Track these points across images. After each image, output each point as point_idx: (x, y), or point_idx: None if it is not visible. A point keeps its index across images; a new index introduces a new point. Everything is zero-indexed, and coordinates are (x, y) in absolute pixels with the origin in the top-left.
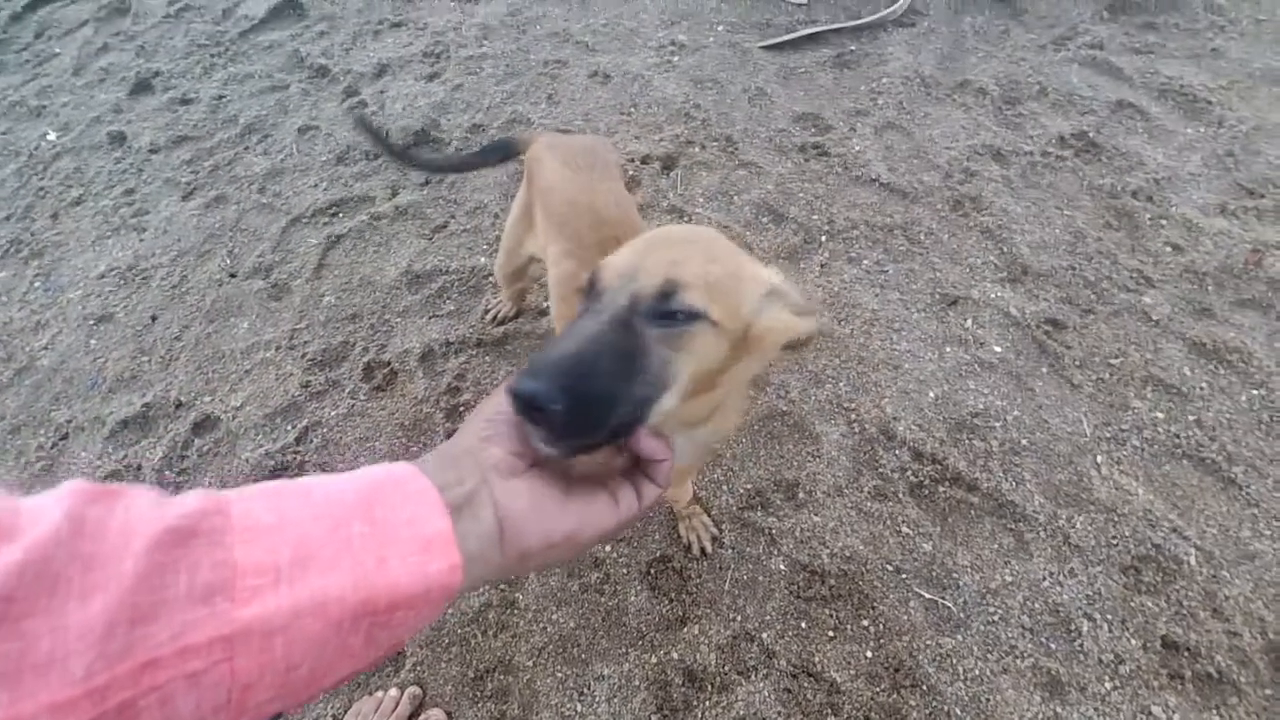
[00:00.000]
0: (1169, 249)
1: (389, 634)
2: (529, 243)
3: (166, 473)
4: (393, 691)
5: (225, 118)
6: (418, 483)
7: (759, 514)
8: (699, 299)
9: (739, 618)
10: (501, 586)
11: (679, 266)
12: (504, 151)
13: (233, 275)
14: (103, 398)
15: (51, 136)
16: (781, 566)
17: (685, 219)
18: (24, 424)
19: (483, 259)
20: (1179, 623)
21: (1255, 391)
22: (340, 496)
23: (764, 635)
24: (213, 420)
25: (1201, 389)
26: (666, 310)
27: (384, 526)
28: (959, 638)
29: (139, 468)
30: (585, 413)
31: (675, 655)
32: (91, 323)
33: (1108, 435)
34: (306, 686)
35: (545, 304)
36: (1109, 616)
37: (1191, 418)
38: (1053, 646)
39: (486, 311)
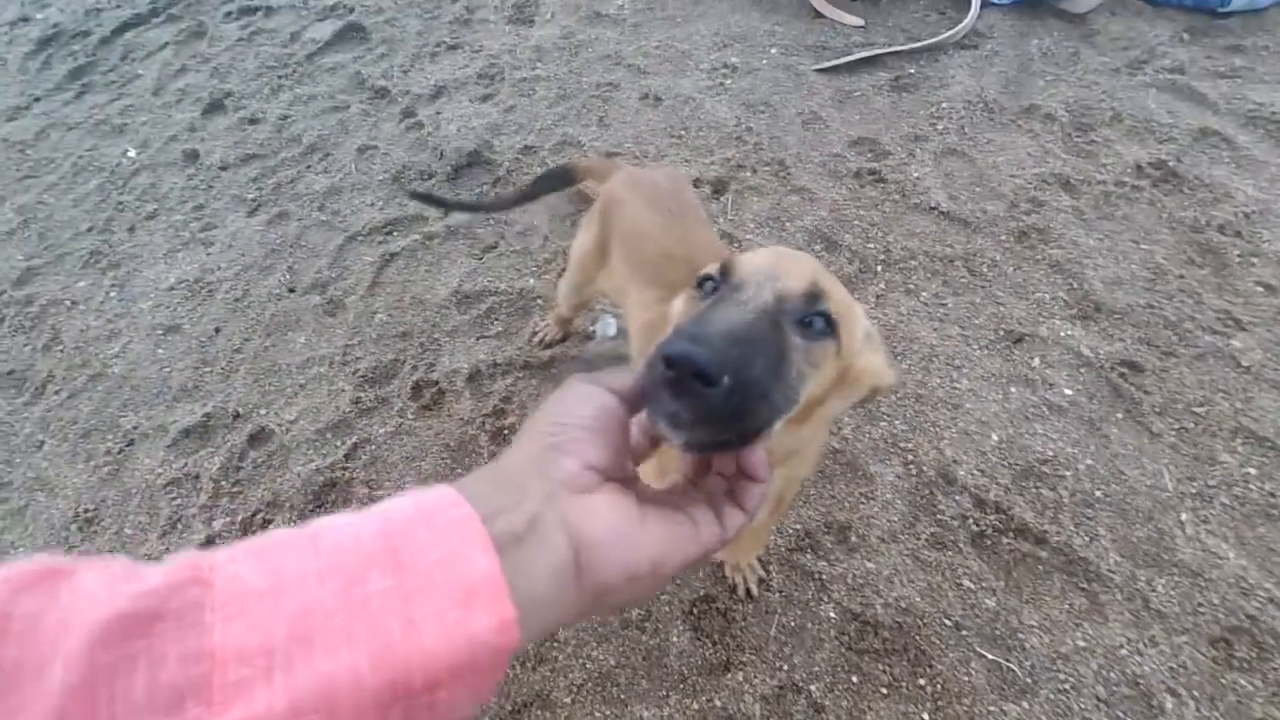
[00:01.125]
0: (1260, 289)
1: (431, 716)
2: (601, 279)
3: (223, 483)
4: None
5: (290, 137)
6: (454, 510)
7: (809, 557)
8: (835, 309)
9: (786, 667)
10: None
11: (819, 276)
12: (561, 180)
13: (291, 290)
14: (167, 406)
15: (131, 153)
16: (832, 614)
17: (736, 245)
18: (94, 428)
19: (531, 280)
20: (1278, 705)
21: None
22: (356, 542)
23: (812, 688)
24: (267, 433)
25: None
26: (811, 313)
27: (412, 575)
28: (1025, 705)
29: (197, 476)
30: (741, 400)
31: (718, 703)
32: (160, 333)
33: (1192, 490)
34: None
35: (591, 329)
36: (1195, 693)
37: None
38: None
39: (534, 334)
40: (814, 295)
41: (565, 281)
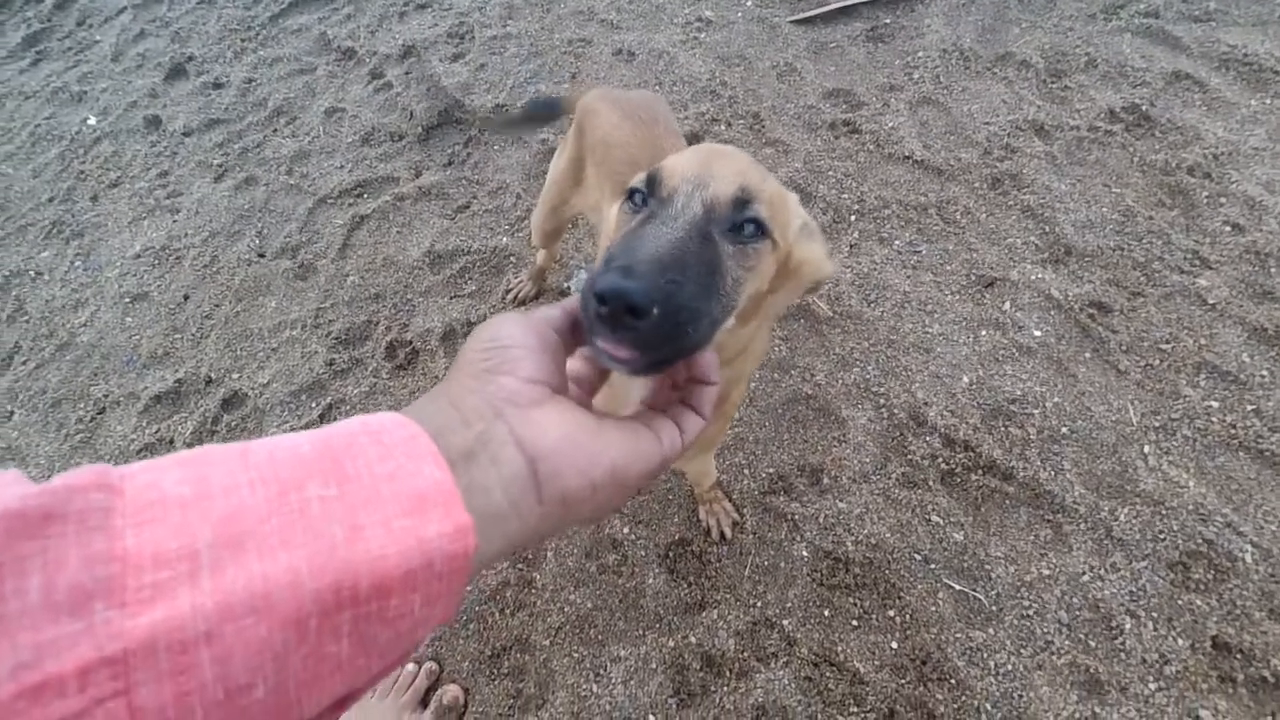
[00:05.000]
0: (1228, 228)
1: (388, 629)
2: (576, 199)
3: (197, 446)
4: (409, 666)
5: (255, 101)
6: (402, 430)
7: (782, 499)
8: (766, 212)
9: (759, 604)
10: (519, 564)
11: (747, 176)
12: (550, 110)
13: (261, 255)
14: (137, 373)
15: (92, 121)
16: (804, 553)
17: None
18: (64, 398)
19: (505, 239)
20: (1231, 623)
21: None
22: (293, 454)
23: (785, 622)
24: (241, 396)
25: (1261, 377)
26: (740, 220)
27: (357, 485)
28: (990, 631)
29: (171, 441)
30: (674, 324)
31: (693, 639)
32: (128, 301)
33: (1156, 424)
34: (274, 716)
35: (566, 285)
36: (1154, 614)
37: (1250, 407)
38: (1092, 644)
39: (507, 291)
40: (743, 200)
41: (540, 205)
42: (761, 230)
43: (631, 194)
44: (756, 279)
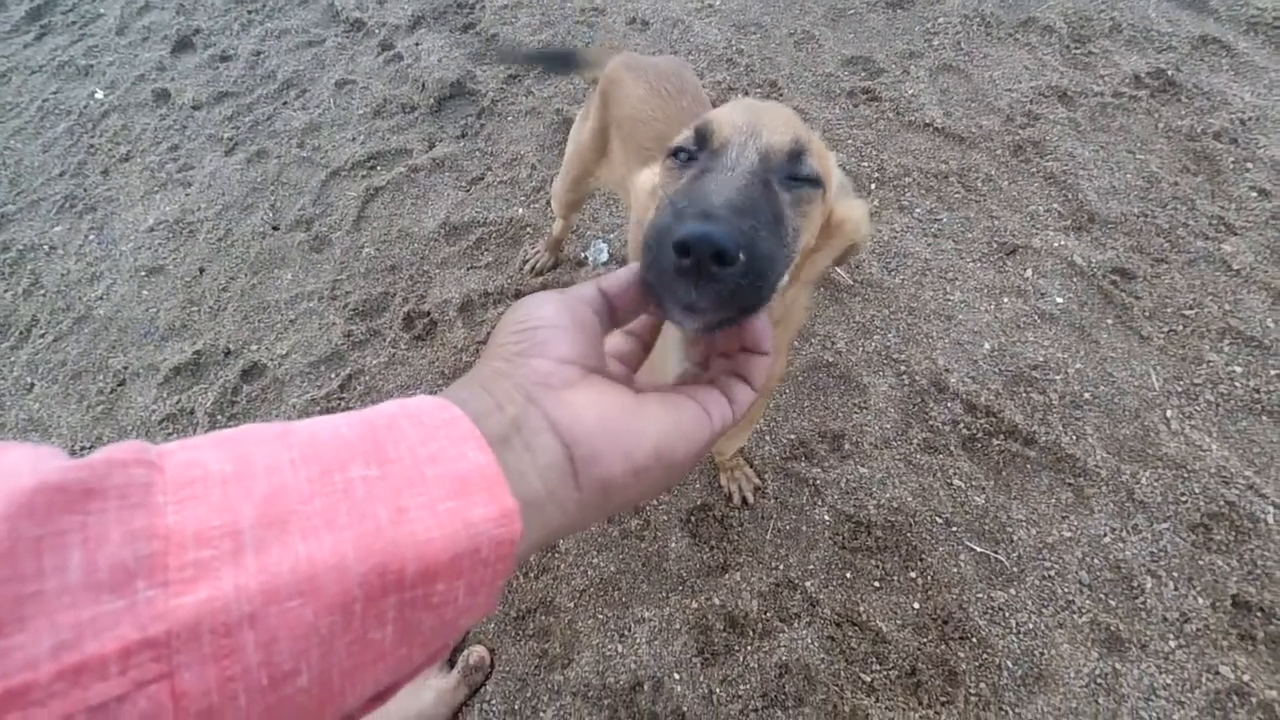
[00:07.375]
0: (1254, 194)
1: (432, 616)
2: (600, 172)
3: (218, 417)
4: None
5: (264, 73)
6: (443, 412)
7: (803, 464)
8: (819, 164)
9: (781, 566)
10: None
11: (797, 127)
12: (566, 63)
13: (275, 228)
14: (156, 345)
15: (99, 95)
16: (826, 517)
17: None
18: (84, 370)
19: (520, 210)
20: (1252, 582)
21: None
22: (334, 435)
23: (807, 584)
24: (260, 368)
25: None
26: (796, 173)
27: (399, 467)
28: (1012, 591)
29: (192, 411)
30: (758, 274)
31: (716, 601)
32: (143, 274)
33: (1179, 389)
34: (318, 707)
35: (584, 254)
36: (1175, 574)
37: (1273, 371)
38: (1113, 603)
39: (524, 262)
40: (797, 151)
41: (562, 176)
42: (815, 181)
43: (676, 152)
44: (810, 230)
